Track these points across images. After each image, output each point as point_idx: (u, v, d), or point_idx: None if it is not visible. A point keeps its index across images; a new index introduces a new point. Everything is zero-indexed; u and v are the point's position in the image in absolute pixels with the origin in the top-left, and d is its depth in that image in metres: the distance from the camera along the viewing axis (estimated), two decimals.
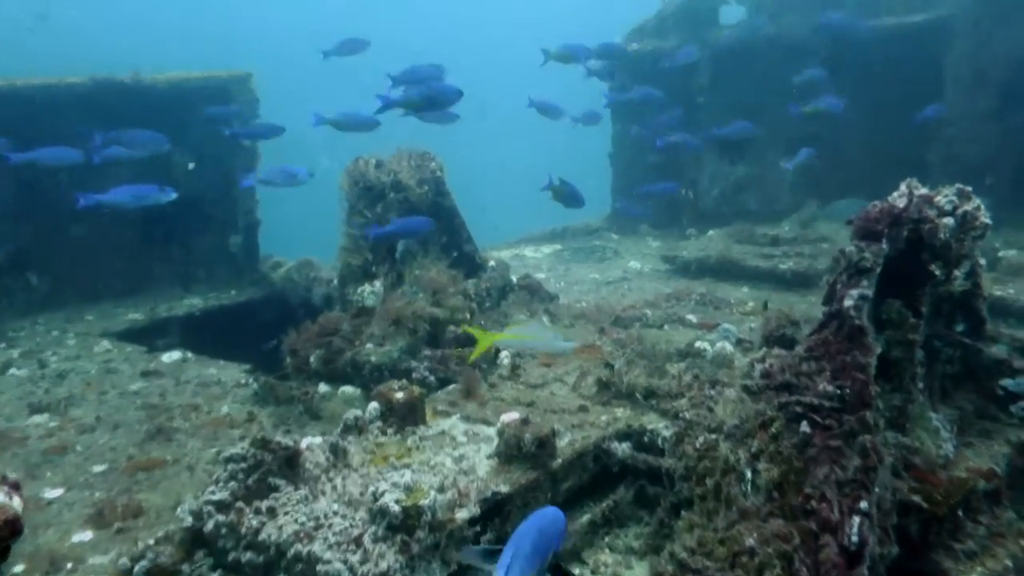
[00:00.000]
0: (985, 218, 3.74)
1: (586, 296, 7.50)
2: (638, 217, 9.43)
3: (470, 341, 5.35)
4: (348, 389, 5.22)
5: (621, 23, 10.19)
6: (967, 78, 8.95)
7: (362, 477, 3.88)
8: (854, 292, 3.43)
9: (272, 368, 6.10)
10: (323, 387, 5.44)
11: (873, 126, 9.69)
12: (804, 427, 3.28)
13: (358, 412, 4.32)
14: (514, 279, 6.16)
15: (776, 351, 4.42)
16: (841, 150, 9.90)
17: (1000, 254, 7.68)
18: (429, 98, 5.69)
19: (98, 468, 4.69)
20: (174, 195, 6.94)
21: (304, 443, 4.81)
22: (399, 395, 4.33)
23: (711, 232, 8.96)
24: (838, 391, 3.34)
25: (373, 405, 4.36)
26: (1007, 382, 4.09)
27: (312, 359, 5.54)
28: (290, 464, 3.85)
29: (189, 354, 6.79)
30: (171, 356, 6.73)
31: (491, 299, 5.92)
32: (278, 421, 5.36)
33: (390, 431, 4.26)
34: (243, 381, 6.06)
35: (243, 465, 3.77)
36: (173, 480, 4.55)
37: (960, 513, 3.45)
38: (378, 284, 5.41)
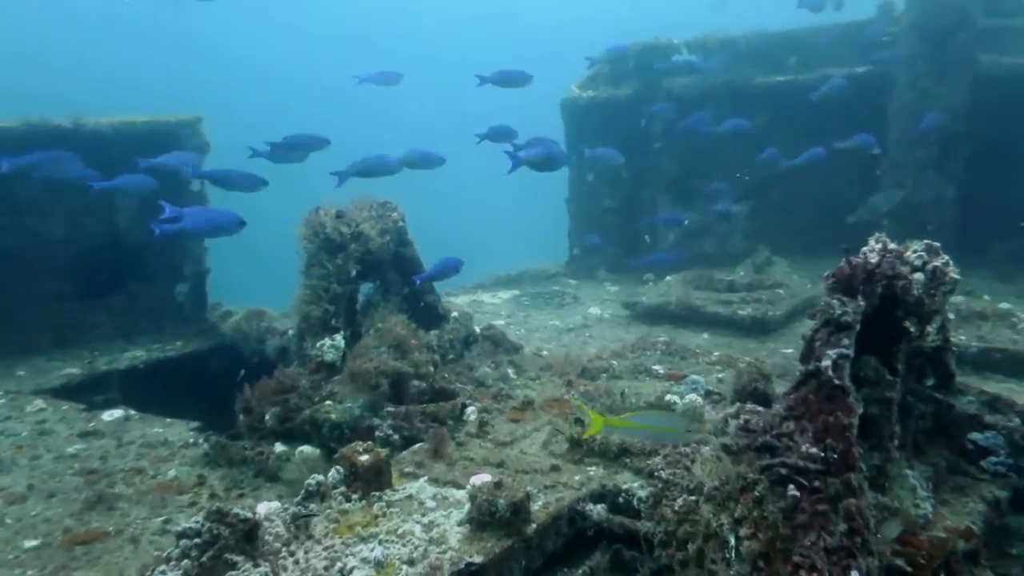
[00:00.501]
0: (954, 273, 3.76)
1: (548, 344, 7.39)
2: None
3: (436, 398, 5.20)
4: (307, 449, 4.99)
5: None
6: (909, 127, 9.22)
7: (326, 550, 3.66)
8: (834, 351, 3.38)
9: (223, 425, 5.82)
10: (279, 447, 5.19)
11: (821, 173, 9.90)
12: (791, 491, 3.19)
13: (320, 477, 4.10)
14: (477, 329, 6.03)
15: (750, 406, 4.37)
16: (791, 197, 10.10)
17: None
18: (548, 160, 6.41)
19: (31, 543, 4.34)
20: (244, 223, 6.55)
21: (261, 508, 4.58)
22: (364, 458, 4.13)
23: (669, 277, 8.98)
24: (822, 453, 3.27)
25: (336, 469, 4.16)
26: (976, 436, 4.09)
27: (268, 417, 5.29)
28: (249, 538, 3.62)
29: (132, 411, 6.44)
30: (112, 414, 6.38)
31: (455, 351, 5.77)
32: (230, 484, 5.09)
33: (355, 497, 4.06)
34: (192, 440, 5.76)
35: (197, 540, 3.52)
36: (115, 554, 4.24)
37: None
38: (339, 338, 5.21)
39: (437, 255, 6.51)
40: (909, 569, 3.30)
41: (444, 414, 4.89)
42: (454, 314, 5.96)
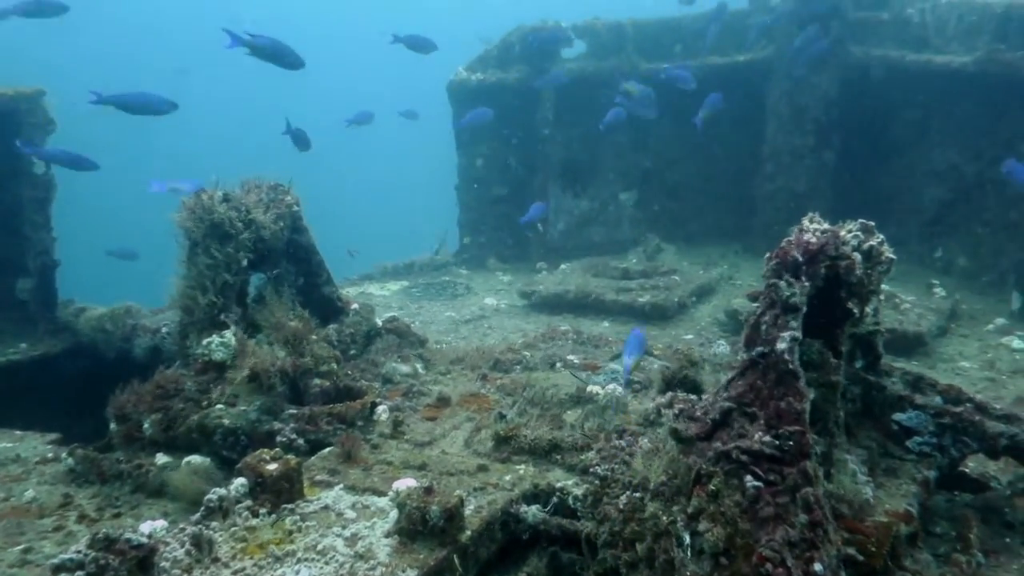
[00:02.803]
0: (889, 253, 3.74)
1: (446, 337, 7.06)
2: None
3: (340, 397, 4.76)
4: (196, 459, 4.44)
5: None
6: (786, 116, 9.48)
7: (236, 574, 3.22)
8: (786, 334, 3.25)
9: (87, 436, 5.14)
10: (161, 458, 4.61)
11: (705, 162, 10.06)
12: (750, 483, 3.04)
13: (221, 491, 3.63)
14: (379, 322, 5.61)
15: (682, 395, 4.23)
16: (675, 185, 10.21)
17: None
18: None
19: None
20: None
21: (144, 528, 4.05)
22: (272, 467, 3.68)
23: (564, 265, 8.84)
24: (776, 441, 3.14)
25: (239, 481, 3.69)
26: (900, 417, 4.12)
27: (146, 425, 4.69)
28: (143, 566, 3.12)
29: None
30: None
31: (356, 346, 5.33)
32: (104, 503, 4.47)
33: (263, 511, 3.61)
34: (51, 455, 5.05)
35: (80, 574, 3.00)
36: None
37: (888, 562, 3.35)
38: (228, 334, 4.67)
39: (324, 243, 6.02)
40: (861, 558, 3.23)
41: (353, 415, 4.48)
42: (354, 306, 5.53)
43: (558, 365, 5.24)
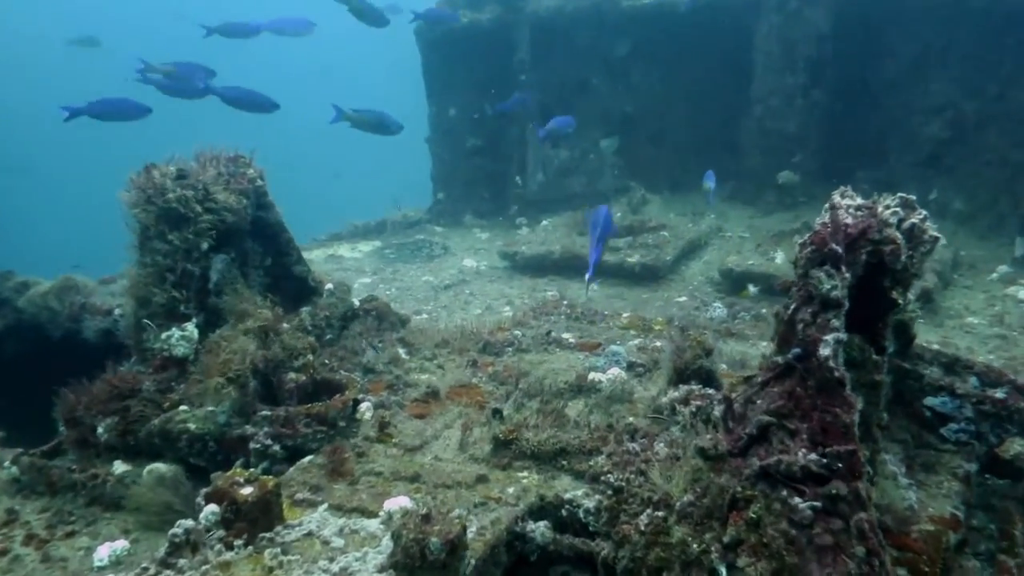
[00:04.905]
0: (933, 231, 3.33)
1: (426, 306, 6.60)
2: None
3: (318, 391, 4.31)
4: (160, 467, 3.98)
5: None
6: (776, 53, 8.97)
7: None
8: (831, 336, 2.85)
9: (31, 436, 4.63)
10: (120, 466, 4.15)
11: (690, 104, 9.55)
12: (803, 505, 2.67)
13: (189, 523, 3.19)
14: (356, 302, 5.12)
15: (699, 390, 3.85)
16: (658, 130, 9.70)
17: None
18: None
19: None
20: None
21: (103, 551, 3.64)
22: (247, 491, 3.25)
23: (545, 222, 8.36)
24: (824, 460, 2.77)
25: (210, 508, 3.25)
26: (933, 402, 3.79)
27: (101, 429, 4.22)
28: None
29: None
30: None
31: (332, 330, 4.85)
32: (55, 519, 4.01)
33: (238, 543, 3.18)
34: None
35: None
36: None
37: None
38: (190, 327, 4.17)
39: (292, 213, 5.47)
40: None
41: (333, 414, 4.04)
42: (328, 286, 5.01)
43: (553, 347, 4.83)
